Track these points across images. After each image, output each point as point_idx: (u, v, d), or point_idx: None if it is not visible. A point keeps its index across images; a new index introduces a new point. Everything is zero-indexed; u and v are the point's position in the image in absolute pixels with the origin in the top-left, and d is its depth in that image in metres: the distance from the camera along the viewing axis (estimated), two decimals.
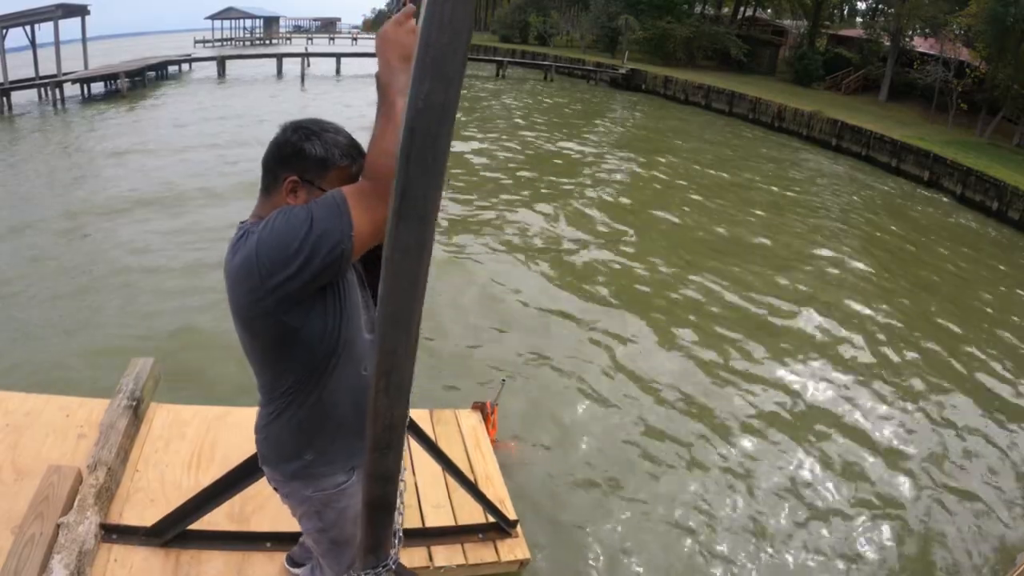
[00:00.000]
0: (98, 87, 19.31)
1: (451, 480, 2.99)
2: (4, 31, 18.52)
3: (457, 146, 13.87)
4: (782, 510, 4.05)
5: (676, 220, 10.03)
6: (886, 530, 4.04)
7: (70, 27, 21.07)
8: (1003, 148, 18.73)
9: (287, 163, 1.47)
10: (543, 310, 6.38)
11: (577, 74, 31.51)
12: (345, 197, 1.32)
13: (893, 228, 11.64)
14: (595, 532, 3.72)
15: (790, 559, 3.70)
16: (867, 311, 7.39)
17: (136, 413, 3.03)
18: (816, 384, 5.60)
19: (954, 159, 15.72)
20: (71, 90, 18.06)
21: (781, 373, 5.70)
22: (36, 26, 19.11)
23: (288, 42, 52.09)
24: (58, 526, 2.34)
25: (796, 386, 5.51)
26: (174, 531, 2.42)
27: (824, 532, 3.94)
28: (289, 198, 1.46)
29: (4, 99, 16.60)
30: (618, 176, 12.56)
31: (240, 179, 9.46)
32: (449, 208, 9.13)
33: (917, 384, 5.88)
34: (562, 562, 3.48)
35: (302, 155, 1.45)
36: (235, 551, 2.51)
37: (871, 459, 4.69)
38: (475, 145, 13.85)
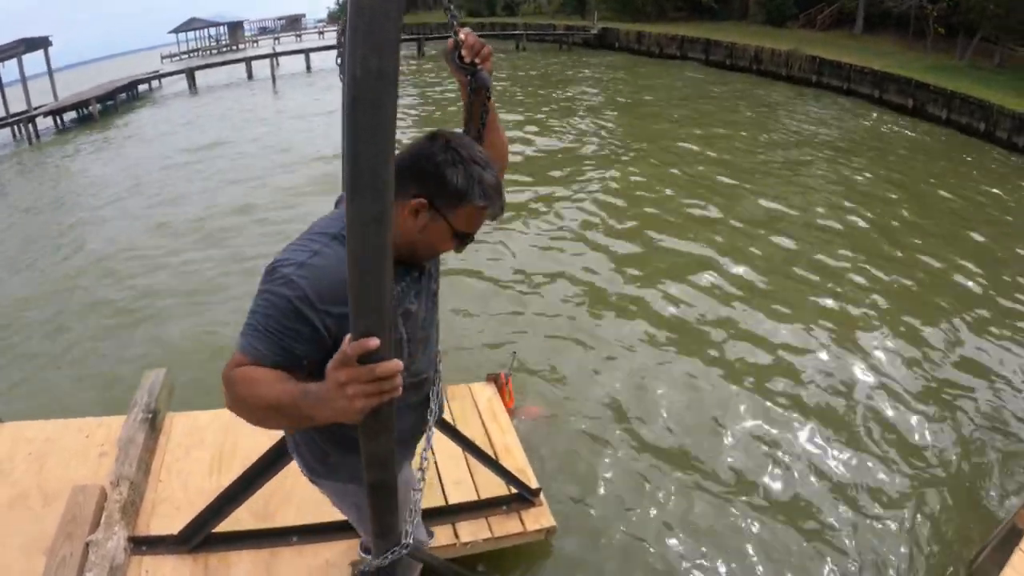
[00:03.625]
0: (70, 115, 19.16)
1: (470, 455, 3.01)
2: None
3: None
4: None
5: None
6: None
7: (35, 61, 20.90)
8: (984, 70, 18.52)
9: (421, 181, 1.35)
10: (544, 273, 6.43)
11: (548, 39, 31.21)
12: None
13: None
14: (621, 490, 3.74)
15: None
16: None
17: (153, 425, 3.07)
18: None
19: (936, 84, 15.60)
20: (44, 123, 17.92)
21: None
22: (0, 64, 18.93)
23: (255, 45, 51.59)
24: (87, 544, 2.38)
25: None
26: (200, 536, 2.45)
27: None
28: (410, 219, 1.36)
29: None
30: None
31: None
32: None
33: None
34: (591, 527, 3.48)
35: (442, 180, 1.34)
36: (262, 548, 2.54)
37: None
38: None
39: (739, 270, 6.54)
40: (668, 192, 9.22)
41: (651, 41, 26.57)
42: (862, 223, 8.12)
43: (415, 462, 1.90)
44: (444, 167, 1.34)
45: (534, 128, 13.35)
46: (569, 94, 18.04)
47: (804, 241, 7.39)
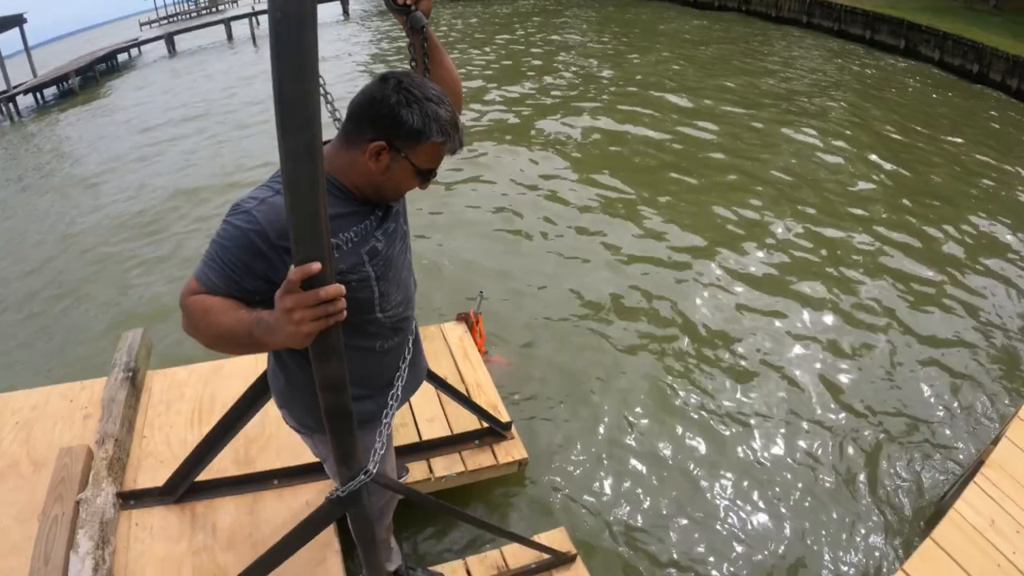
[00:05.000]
0: (51, 91, 18.91)
1: (443, 392, 3.08)
2: None
3: None
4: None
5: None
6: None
7: (12, 40, 20.52)
8: (979, 11, 17.83)
9: (378, 125, 1.38)
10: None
11: None
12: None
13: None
14: (589, 427, 3.90)
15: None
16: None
17: (134, 384, 3.17)
18: None
19: (929, 24, 15.11)
20: (25, 100, 17.71)
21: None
22: None
23: (235, 4, 50.22)
24: (77, 503, 2.50)
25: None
26: (184, 485, 2.57)
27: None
28: (371, 162, 1.40)
29: None
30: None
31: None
32: None
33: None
34: (560, 459, 3.66)
35: (397, 121, 1.36)
36: (246, 494, 2.66)
37: None
38: None
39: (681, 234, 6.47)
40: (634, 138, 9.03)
41: None
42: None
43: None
44: (399, 108, 1.35)
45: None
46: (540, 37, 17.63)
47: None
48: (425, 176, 1.47)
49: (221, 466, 2.69)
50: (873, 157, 8.04)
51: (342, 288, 1.12)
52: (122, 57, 25.28)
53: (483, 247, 5.99)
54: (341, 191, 1.45)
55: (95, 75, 19.77)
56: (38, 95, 18.48)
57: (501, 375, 4.08)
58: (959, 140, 9.15)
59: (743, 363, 4.41)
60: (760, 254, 5.77)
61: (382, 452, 1.60)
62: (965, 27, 14.89)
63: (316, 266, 1.06)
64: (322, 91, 1.66)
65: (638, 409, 4.01)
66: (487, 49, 15.68)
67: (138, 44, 27.10)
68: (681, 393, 4.14)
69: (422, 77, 1.45)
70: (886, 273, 5.51)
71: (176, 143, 10.46)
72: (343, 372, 1.26)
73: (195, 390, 3.23)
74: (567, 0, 23.47)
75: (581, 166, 7.82)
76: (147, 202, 7.93)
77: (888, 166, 7.82)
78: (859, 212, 6.59)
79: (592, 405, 4.03)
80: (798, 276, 5.42)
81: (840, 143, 8.56)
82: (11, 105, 16.72)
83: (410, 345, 1.80)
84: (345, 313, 1.15)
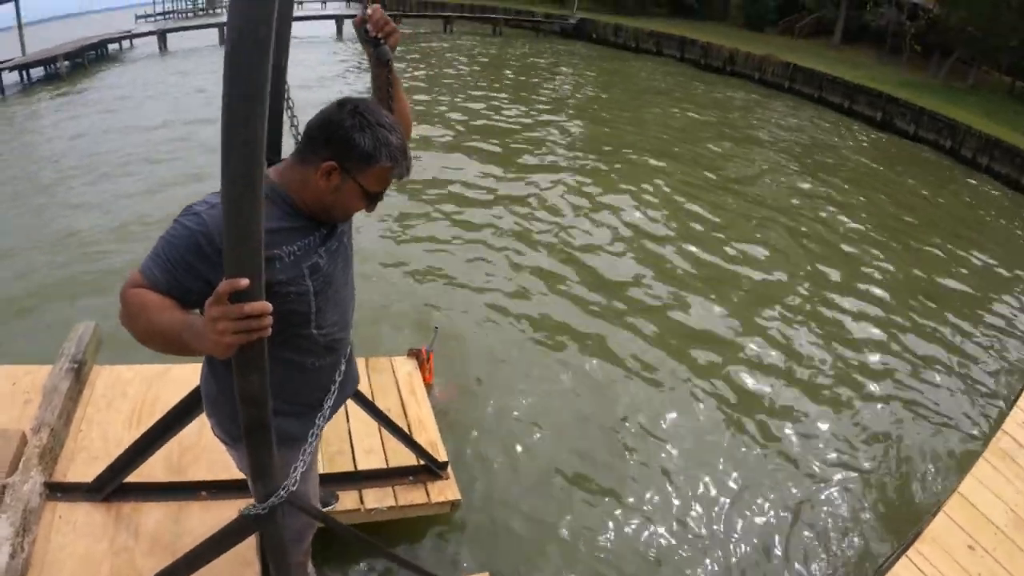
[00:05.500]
0: (38, 72, 18.70)
1: (396, 426, 3.11)
2: None
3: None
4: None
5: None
6: None
7: (5, 15, 20.35)
8: (957, 89, 19.07)
9: (332, 146, 1.47)
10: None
11: (526, 26, 31.12)
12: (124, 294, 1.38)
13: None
14: (528, 469, 3.95)
15: None
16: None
17: (79, 376, 3.16)
18: None
19: (907, 99, 16.01)
20: (10, 78, 17.46)
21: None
22: None
23: None
24: (3, 487, 2.48)
25: None
26: (112, 485, 2.57)
27: None
28: (322, 180, 1.48)
29: None
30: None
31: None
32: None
33: None
34: (496, 501, 3.68)
35: (351, 143, 1.45)
36: (173, 501, 2.67)
37: None
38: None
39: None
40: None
41: (628, 35, 26.68)
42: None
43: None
44: (352, 131, 1.45)
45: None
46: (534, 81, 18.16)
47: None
48: (372, 199, 1.56)
49: (152, 471, 2.69)
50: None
51: (268, 306, 1.17)
52: (112, 47, 25.14)
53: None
54: (290, 206, 1.53)
55: (84, 62, 19.63)
56: (24, 73, 18.25)
57: (449, 407, 4.18)
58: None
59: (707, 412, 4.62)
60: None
61: (302, 470, 1.64)
62: (941, 104, 15.84)
63: (244, 282, 1.12)
64: (288, 111, 1.79)
65: (586, 458, 4.10)
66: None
67: (130, 36, 26.95)
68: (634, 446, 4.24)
69: (378, 105, 1.55)
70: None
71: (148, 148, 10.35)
72: (264, 387, 1.30)
73: (138, 390, 3.24)
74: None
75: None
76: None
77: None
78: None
79: (537, 453, 4.09)
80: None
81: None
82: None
83: (342, 367, 1.84)
84: (270, 330, 1.20)
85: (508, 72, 18.81)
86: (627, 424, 4.42)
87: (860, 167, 12.21)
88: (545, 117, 13.16)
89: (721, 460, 4.20)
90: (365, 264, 6.55)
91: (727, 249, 7.45)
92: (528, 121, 12.71)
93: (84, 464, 2.77)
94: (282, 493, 1.53)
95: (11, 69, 17.36)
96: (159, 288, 1.37)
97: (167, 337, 1.30)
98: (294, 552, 2.09)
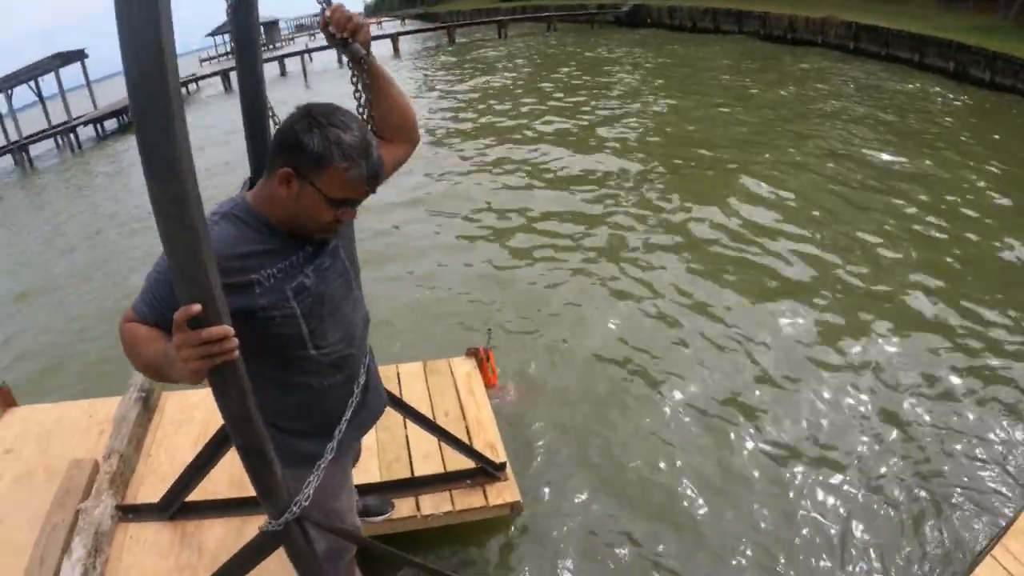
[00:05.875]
0: (111, 124, 19.89)
1: (442, 429, 3.07)
2: (10, 91, 19.36)
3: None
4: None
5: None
6: None
7: (74, 74, 21.80)
8: None
9: (284, 152, 1.44)
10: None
11: (581, 19, 30.92)
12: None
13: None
14: (599, 469, 3.75)
15: None
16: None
17: (146, 404, 3.35)
18: None
19: (978, 45, 14.94)
20: (86, 132, 18.65)
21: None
22: (40, 79, 19.82)
23: (292, 42, 52.40)
24: (78, 512, 2.65)
25: None
26: (177, 503, 2.69)
27: None
28: (282, 189, 1.44)
29: (24, 155, 17.35)
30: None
31: None
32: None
33: None
34: (557, 505, 3.51)
35: (299, 147, 1.41)
36: (235, 516, 2.74)
37: None
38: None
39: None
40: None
41: (683, 15, 26.09)
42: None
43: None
44: (301, 134, 1.41)
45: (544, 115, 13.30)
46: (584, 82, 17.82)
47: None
48: (338, 206, 1.46)
49: (216, 488, 2.80)
50: None
51: (227, 330, 1.16)
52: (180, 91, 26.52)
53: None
54: (266, 226, 1.49)
55: None
56: (98, 127, 19.46)
57: (513, 409, 4.11)
58: None
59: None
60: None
61: (315, 485, 1.60)
62: (1016, 46, 14.27)
63: (196, 308, 1.11)
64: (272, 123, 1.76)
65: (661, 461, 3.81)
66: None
67: (196, 79, 28.58)
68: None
69: (335, 106, 1.48)
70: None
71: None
72: (246, 408, 1.29)
73: (204, 414, 3.35)
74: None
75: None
76: None
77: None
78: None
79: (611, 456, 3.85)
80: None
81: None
82: (72, 136, 17.66)
83: (360, 383, 1.80)
84: (236, 353, 1.19)
85: (566, 70, 18.52)
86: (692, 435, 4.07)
87: (955, 130, 10.70)
88: (613, 112, 12.78)
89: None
90: (421, 261, 6.74)
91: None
92: (596, 118, 12.47)
93: (153, 486, 2.90)
94: (295, 509, 1.51)
95: (86, 123, 18.57)
96: (147, 322, 1.38)
97: (152, 367, 1.31)
98: (332, 568, 2.06)
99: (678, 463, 3.76)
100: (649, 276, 5.94)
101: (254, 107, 1.85)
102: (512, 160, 10.09)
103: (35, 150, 18.62)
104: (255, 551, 1.63)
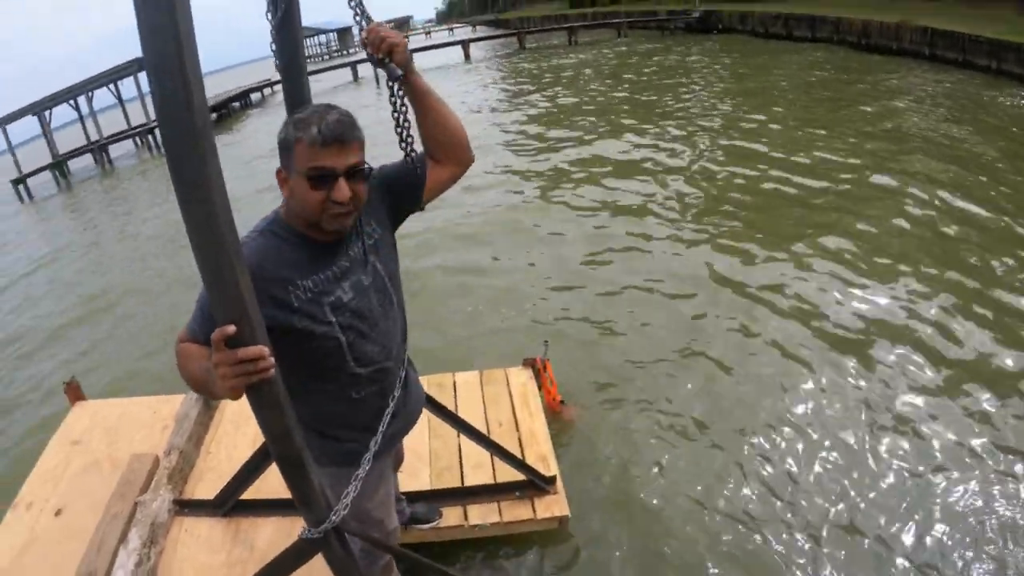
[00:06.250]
0: None
1: (495, 440, 3.07)
2: (90, 93, 20.46)
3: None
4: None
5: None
6: None
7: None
8: None
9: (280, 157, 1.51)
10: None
11: (651, 26, 30.64)
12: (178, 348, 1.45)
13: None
14: (652, 491, 3.58)
15: None
16: None
17: (208, 403, 3.43)
18: None
19: None
20: None
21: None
22: (119, 83, 20.89)
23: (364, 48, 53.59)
24: (136, 504, 2.74)
25: None
26: (231, 501, 2.74)
27: None
28: (284, 191, 1.50)
29: (103, 154, 18.32)
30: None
31: None
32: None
33: None
34: (607, 524, 3.37)
35: (278, 146, 1.48)
36: (286, 516, 2.78)
37: None
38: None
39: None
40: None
41: (755, 21, 25.52)
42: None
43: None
44: (279, 136, 1.47)
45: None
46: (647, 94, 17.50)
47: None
48: (319, 182, 1.43)
49: (270, 488, 2.81)
50: None
51: (263, 350, 1.18)
52: (255, 96, 27.53)
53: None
54: (298, 237, 1.52)
55: (228, 112, 21.64)
56: None
57: (570, 422, 4.02)
58: None
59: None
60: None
61: (354, 495, 1.62)
62: None
63: (230, 329, 1.15)
64: None
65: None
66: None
67: (270, 84, 29.54)
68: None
69: (315, 106, 1.50)
70: None
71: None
72: (283, 423, 1.32)
73: None
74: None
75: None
76: None
77: None
78: None
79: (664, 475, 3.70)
80: None
81: None
82: (150, 137, 18.54)
83: (396, 394, 1.79)
84: (272, 372, 1.22)
85: (632, 77, 18.22)
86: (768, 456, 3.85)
87: None
88: (684, 129, 11.81)
89: None
90: (484, 263, 6.71)
91: None
92: (667, 136, 11.48)
93: (211, 483, 2.97)
94: (333, 519, 1.53)
95: None
96: (197, 339, 1.42)
97: (199, 383, 1.35)
98: (369, 567, 2.08)
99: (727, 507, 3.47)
100: (722, 301, 5.58)
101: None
102: (580, 172, 9.87)
103: (114, 151, 19.62)
104: (295, 556, 1.65)
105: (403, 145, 1.67)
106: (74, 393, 3.63)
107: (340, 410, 1.71)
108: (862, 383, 4.25)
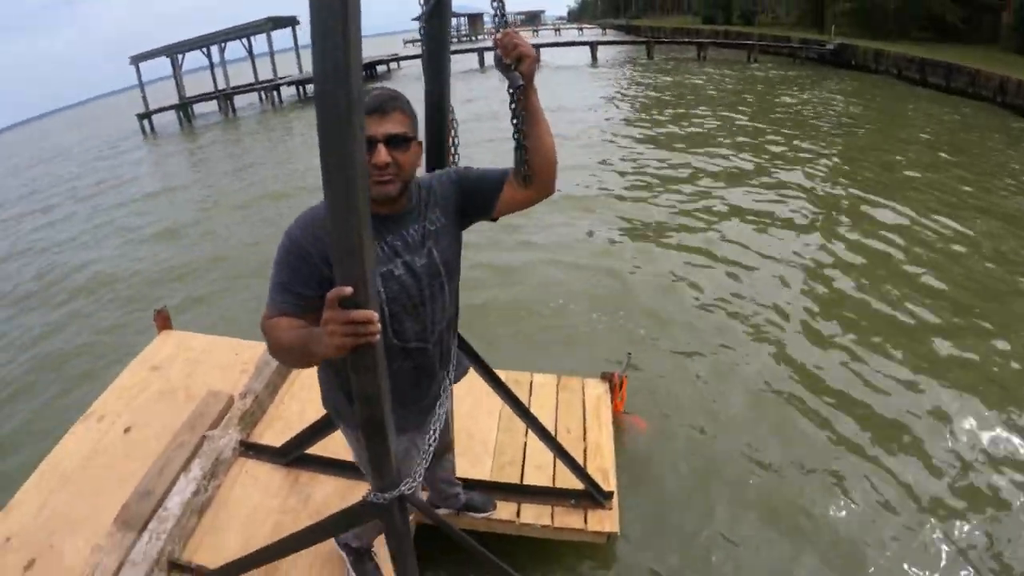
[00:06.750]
0: (312, 87, 21.68)
1: (559, 446, 2.99)
2: (223, 44, 21.54)
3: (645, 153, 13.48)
4: None
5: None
6: None
7: (284, 38, 23.84)
8: None
9: None
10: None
11: (783, 52, 29.63)
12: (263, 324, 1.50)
13: None
14: (699, 525, 3.44)
15: None
16: None
17: None
18: None
19: None
20: (288, 91, 20.38)
21: None
22: (252, 39, 21.94)
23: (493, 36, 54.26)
24: (204, 437, 2.81)
25: None
26: (296, 452, 2.78)
27: None
28: None
29: (228, 103, 19.26)
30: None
31: None
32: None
33: None
34: (655, 545, 3.28)
35: None
36: (346, 479, 2.78)
37: None
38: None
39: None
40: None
41: (889, 61, 24.26)
42: None
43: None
44: None
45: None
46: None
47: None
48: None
49: (336, 448, 2.81)
50: None
51: (372, 315, 1.22)
52: (381, 68, 28.28)
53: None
54: None
55: None
56: (301, 89, 21.14)
57: (636, 440, 3.92)
58: None
59: None
60: None
61: (422, 472, 1.70)
62: None
63: (347, 290, 1.18)
64: (453, 128, 1.93)
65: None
66: None
67: (397, 59, 30.35)
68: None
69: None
70: None
71: None
72: (377, 387, 1.35)
73: None
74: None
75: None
76: None
77: None
78: None
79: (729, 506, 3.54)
80: None
81: None
82: (275, 93, 19.33)
83: (429, 377, 1.85)
84: (377, 337, 1.25)
85: (771, 112, 16.59)
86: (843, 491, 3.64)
87: None
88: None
89: None
90: (581, 279, 6.51)
91: None
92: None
93: (278, 432, 3.02)
94: (403, 489, 1.58)
95: (289, 84, 20.23)
96: (286, 309, 1.49)
97: (294, 349, 1.39)
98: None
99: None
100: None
101: (438, 108, 1.93)
102: (687, 217, 8.54)
103: (239, 101, 20.55)
104: (352, 517, 1.70)
105: (518, 153, 1.66)
106: (163, 321, 3.77)
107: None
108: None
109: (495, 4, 1.60)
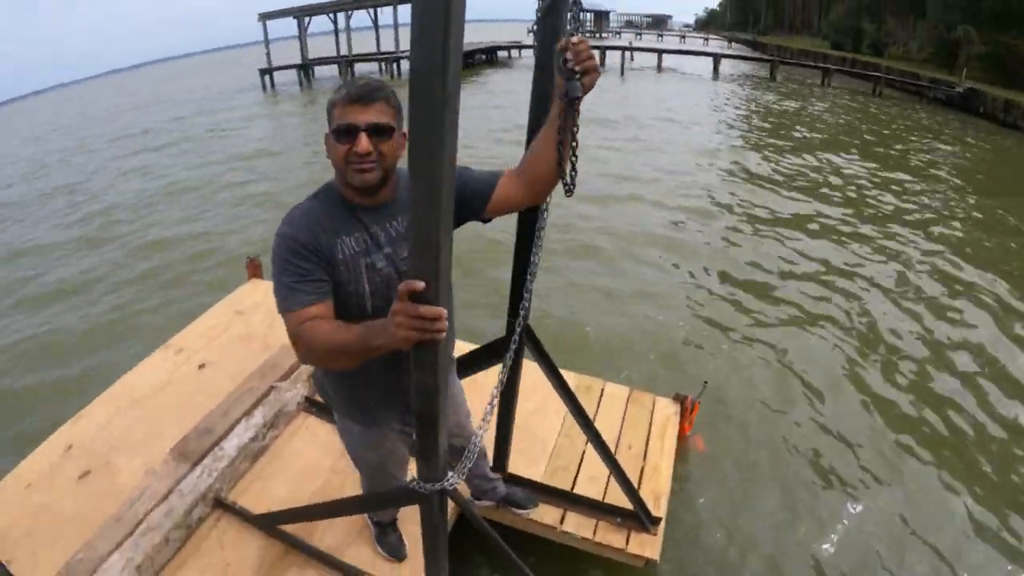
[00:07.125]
0: None
1: (619, 461, 2.88)
2: (350, 12, 22.22)
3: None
4: None
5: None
6: None
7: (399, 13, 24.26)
8: None
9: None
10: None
11: (909, 88, 27.98)
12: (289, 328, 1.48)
13: None
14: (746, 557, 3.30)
15: None
16: None
17: None
18: None
19: None
20: (408, 65, 21.20)
21: None
22: (378, 10, 22.52)
23: (617, 36, 53.78)
24: (272, 387, 2.89)
25: None
26: None
27: None
28: (327, 151, 1.61)
29: (349, 68, 19.94)
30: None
31: None
32: None
33: None
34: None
35: (326, 114, 1.59)
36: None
37: None
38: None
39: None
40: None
41: (1018, 114, 22.40)
42: None
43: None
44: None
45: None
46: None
47: None
48: (341, 136, 1.51)
49: None
50: None
51: (441, 311, 1.21)
52: (502, 54, 28.54)
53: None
54: (343, 200, 1.61)
55: (473, 63, 22.69)
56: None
57: (693, 463, 3.81)
58: None
59: None
60: None
61: (468, 468, 1.68)
62: None
63: (420, 285, 1.18)
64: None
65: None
66: None
67: (519, 47, 30.54)
68: None
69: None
70: None
71: None
72: (435, 382, 1.35)
73: None
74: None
75: None
76: None
77: None
78: None
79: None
80: None
81: None
82: (395, 65, 19.85)
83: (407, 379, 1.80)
84: (444, 334, 1.25)
85: (902, 160, 15.49)
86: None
87: None
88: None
89: None
90: (655, 297, 6.34)
91: None
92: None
93: None
94: (447, 483, 1.57)
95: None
96: (309, 303, 1.48)
97: (349, 348, 1.38)
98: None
99: None
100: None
101: (542, 102, 1.85)
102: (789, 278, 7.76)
103: (359, 68, 21.19)
104: (392, 497, 1.76)
105: (564, 162, 1.56)
106: (253, 269, 3.91)
107: (352, 372, 1.68)
108: None
109: (575, 10, 1.53)
